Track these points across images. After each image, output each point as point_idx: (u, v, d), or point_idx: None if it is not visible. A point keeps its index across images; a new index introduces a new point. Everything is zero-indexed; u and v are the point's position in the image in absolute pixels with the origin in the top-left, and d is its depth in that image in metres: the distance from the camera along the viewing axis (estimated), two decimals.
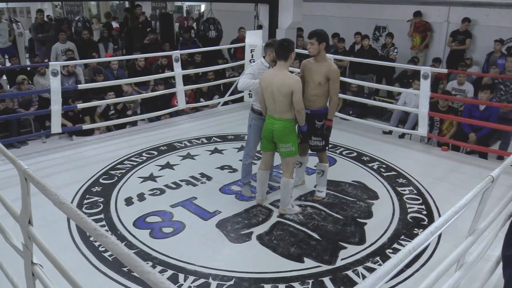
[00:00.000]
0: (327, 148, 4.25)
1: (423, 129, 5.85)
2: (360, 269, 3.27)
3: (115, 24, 11.31)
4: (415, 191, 4.56)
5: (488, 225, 2.51)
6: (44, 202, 1.96)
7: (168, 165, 5.08)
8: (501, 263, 2.51)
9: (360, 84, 7.30)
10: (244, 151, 4.39)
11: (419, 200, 4.39)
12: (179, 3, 17.25)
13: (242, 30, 9.96)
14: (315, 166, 5.10)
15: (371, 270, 3.22)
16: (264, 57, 4.13)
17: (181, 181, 4.66)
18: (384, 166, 5.22)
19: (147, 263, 2.62)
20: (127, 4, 11.66)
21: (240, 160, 5.21)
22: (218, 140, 5.98)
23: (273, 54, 3.92)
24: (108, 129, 6.64)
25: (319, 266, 3.29)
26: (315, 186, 4.46)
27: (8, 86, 7.06)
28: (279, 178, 4.43)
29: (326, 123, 4.06)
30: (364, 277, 3.16)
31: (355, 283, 3.07)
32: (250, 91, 7.24)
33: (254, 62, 7.26)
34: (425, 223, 3.94)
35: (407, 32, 9.38)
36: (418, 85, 6.23)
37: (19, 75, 6.21)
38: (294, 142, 3.82)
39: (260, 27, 8.87)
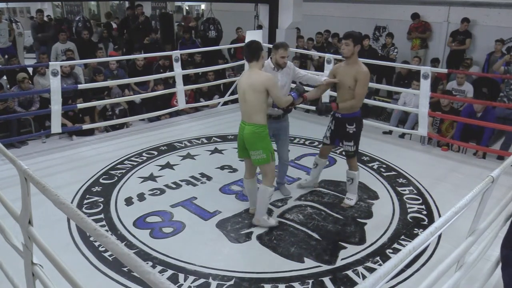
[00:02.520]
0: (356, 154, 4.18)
1: (423, 129, 5.85)
2: (360, 269, 3.27)
3: (114, 25, 11.30)
4: (415, 191, 4.56)
5: (488, 225, 2.51)
6: (44, 202, 1.96)
7: (168, 165, 5.08)
8: (501, 263, 2.51)
9: None
10: None
11: (419, 200, 4.39)
12: (179, 3, 17.26)
13: (240, 30, 9.95)
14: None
15: (371, 270, 3.23)
16: (271, 58, 4.06)
17: (181, 181, 4.66)
18: (384, 166, 5.21)
19: (147, 263, 2.62)
20: (127, 4, 11.64)
21: (240, 160, 5.23)
22: (218, 140, 5.98)
23: (276, 56, 3.92)
24: (106, 129, 6.63)
25: (319, 266, 3.29)
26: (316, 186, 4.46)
27: (8, 86, 7.05)
28: (287, 189, 4.44)
29: (331, 104, 3.99)
30: (364, 277, 3.16)
31: (355, 283, 3.07)
32: None
33: None
34: (425, 223, 3.95)
35: (406, 37, 9.38)
36: (417, 85, 6.24)
37: (20, 73, 6.20)
38: (265, 149, 3.57)
39: (260, 27, 8.87)
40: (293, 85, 4.18)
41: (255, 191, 3.91)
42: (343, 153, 4.29)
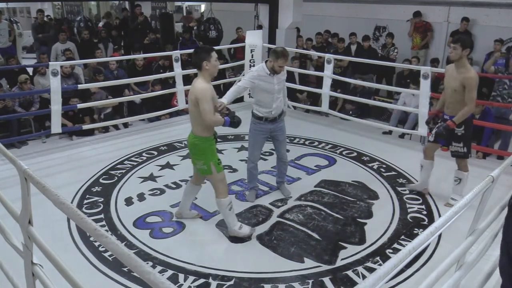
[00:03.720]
0: (469, 155, 4.17)
1: (423, 129, 5.84)
2: (360, 269, 3.27)
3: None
4: (415, 191, 4.56)
5: (488, 225, 2.51)
6: (44, 202, 1.96)
7: (168, 165, 5.08)
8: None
9: (360, 84, 7.30)
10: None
11: (419, 200, 4.39)
12: (179, 3, 17.27)
13: (240, 30, 9.95)
14: (315, 166, 5.12)
15: (371, 270, 3.23)
16: (266, 62, 4.01)
17: (181, 181, 4.65)
18: (384, 166, 5.21)
19: (147, 263, 2.62)
20: (127, 5, 11.65)
21: (240, 160, 5.24)
22: (218, 140, 5.95)
23: (274, 63, 3.87)
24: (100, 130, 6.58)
25: (319, 266, 3.29)
26: (314, 186, 4.45)
27: (8, 86, 7.04)
28: (287, 189, 4.43)
29: (447, 122, 3.99)
30: (364, 277, 3.16)
31: (355, 283, 3.07)
32: (249, 90, 7.27)
33: (254, 62, 7.30)
34: (425, 223, 3.94)
35: (408, 32, 9.38)
36: (414, 88, 6.26)
37: (21, 75, 6.20)
38: (206, 161, 3.44)
39: (260, 27, 8.87)
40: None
41: (188, 196, 3.80)
42: (451, 154, 4.26)
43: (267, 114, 4.06)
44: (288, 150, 4.39)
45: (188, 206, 3.89)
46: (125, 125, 6.84)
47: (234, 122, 3.56)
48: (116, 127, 6.70)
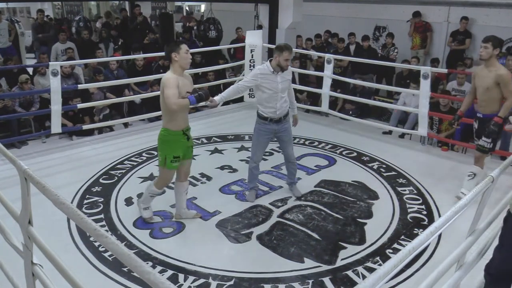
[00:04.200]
0: (490, 153, 4.22)
1: (423, 129, 5.84)
2: (360, 269, 3.27)
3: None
4: (415, 191, 4.56)
5: (488, 225, 2.51)
6: (44, 202, 1.96)
7: None
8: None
9: (360, 84, 7.30)
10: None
11: (419, 200, 4.39)
12: (179, 3, 17.25)
13: (240, 30, 9.95)
14: (315, 166, 5.12)
15: (371, 270, 3.23)
16: (270, 60, 4.01)
17: None
18: (384, 166, 5.21)
19: (147, 263, 2.62)
20: (127, 5, 11.63)
21: (240, 160, 5.24)
22: (218, 140, 5.98)
23: (279, 58, 3.88)
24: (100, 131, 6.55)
25: (319, 266, 3.29)
26: (314, 186, 4.45)
27: (8, 87, 7.04)
28: (297, 189, 4.43)
29: (494, 119, 4.04)
30: (364, 277, 3.16)
31: (355, 283, 3.07)
32: (251, 90, 7.29)
33: (254, 62, 7.29)
34: (425, 223, 3.94)
35: (408, 32, 9.38)
36: (414, 87, 6.25)
37: (22, 75, 6.20)
38: (162, 152, 3.52)
39: (260, 27, 8.86)
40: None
41: (179, 195, 3.83)
42: (476, 147, 4.29)
43: (271, 115, 4.04)
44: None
45: (184, 205, 3.89)
46: (125, 125, 6.83)
47: (198, 96, 3.48)
48: (111, 128, 6.66)
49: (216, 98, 3.92)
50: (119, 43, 9.62)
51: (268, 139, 4.21)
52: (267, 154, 5.34)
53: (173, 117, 3.46)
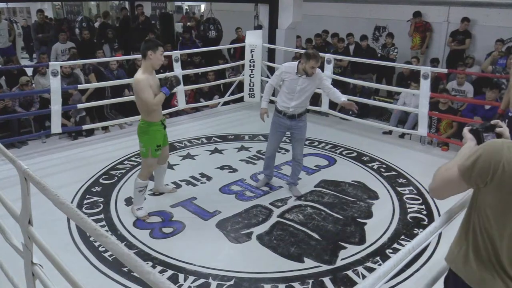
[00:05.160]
0: None
1: (423, 129, 5.84)
2: (360, 269, 3.27)
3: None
4: (415, 191, 4.56)
5: None
6: (44, 202, 1.96)
7: (168, 165, 5.06)
8: None
9: (360, 84, 7.30)
10: None
11: (419, 200, 4.39)
12: (179, 3, 17.26)
13: (240, 30, 9.95)
14: (315, 166, 5.12)
15: (371, 270, 3.22)
16: (300, 62, 4.09)
17: (181, 181, 4.66)
18: (384, 166, 5.21)
19: (147, 263, 2.62)
20: (127, 5, 11.62)
21: (240, 160, 5.25)
22: (218, 140, 5.98)
23: (306, 65, 3.96)
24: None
25: (319, 266, 3.29)
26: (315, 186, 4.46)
27: (7, 87, 7.05)
28: (297, 189, 4.44)
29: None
30: (364, 277, 3.16)
31: (355, 283, 3.07)
32: (253, 90, 7.30)
33: (254, 62, 7.31)
34: (425, 223, 3.94)
35: (408, 32, 9.38)
36: (415, 87, 6.24)
37: (23, 77, 6.20)
38: (145, 144, 3.74)
39: (259, 27, 8.86)
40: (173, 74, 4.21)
41: (158, 175, 4.22)
42: None
43: (285, 109, 4.18)
44: (288, 150, 4.39)
45: (163, 182, 4.30)
46: (120, 126, 6.82)
47: (170, 85, 3.73)
48: (105, 128, 6.66)
49: (263, 103, 4.32)
50: (116, 44, 9.61)
51: (281, 134, 4.34)
52: None
53: (150, 112, 3.71)
